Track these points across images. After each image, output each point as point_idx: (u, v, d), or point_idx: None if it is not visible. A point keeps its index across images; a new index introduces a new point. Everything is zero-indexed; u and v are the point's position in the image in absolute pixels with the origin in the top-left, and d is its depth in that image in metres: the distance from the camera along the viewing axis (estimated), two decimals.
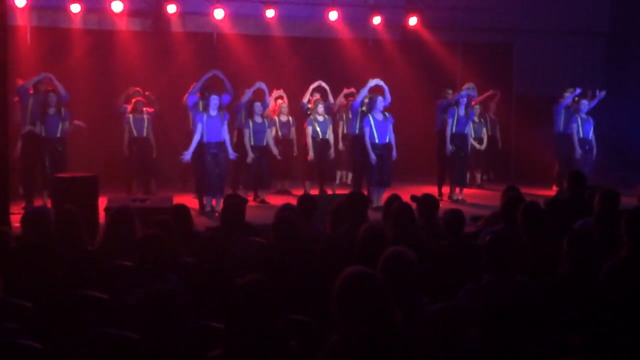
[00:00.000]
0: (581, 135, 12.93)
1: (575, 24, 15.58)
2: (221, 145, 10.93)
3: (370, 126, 11.55)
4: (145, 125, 12.18)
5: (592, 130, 12.96)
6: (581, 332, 3.99)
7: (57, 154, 11.11)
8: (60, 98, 11.16)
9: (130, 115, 12.10)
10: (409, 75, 14.97)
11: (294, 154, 13.18)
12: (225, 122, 10.96)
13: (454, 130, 12.40)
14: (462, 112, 12.40)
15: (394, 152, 11.72)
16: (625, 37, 15.50)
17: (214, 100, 10.83)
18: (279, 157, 12.20)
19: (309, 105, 12.60)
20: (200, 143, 10.79)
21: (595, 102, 13.08)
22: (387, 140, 11.65)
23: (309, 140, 12.41)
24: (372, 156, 11.48)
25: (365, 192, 10.90)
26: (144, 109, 12.22)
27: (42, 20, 13.55)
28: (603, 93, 13.07)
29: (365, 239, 5.10)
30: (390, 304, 3.38)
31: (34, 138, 11.03)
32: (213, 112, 10.81)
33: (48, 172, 10.80)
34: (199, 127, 10.78)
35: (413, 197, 7.23)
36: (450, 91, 12.89)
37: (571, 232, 5.07)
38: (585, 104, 12.97)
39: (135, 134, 12.12)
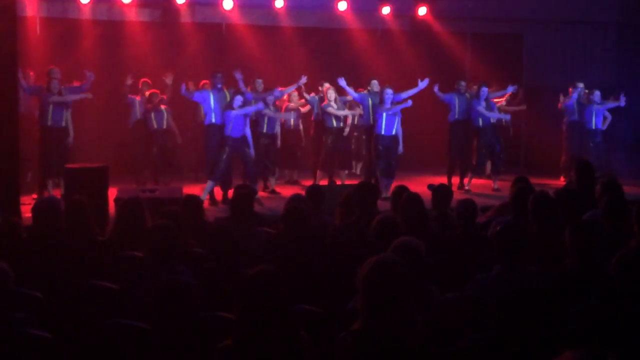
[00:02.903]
0: (593, 126, 12.88)
1: (585, 13, 15.47)
2: (243, 140, 11.02)
3: (381, 118, 11.56)
4: (165, 117, 12.18)
5: (604, 121, 12.94)
6: (590, 323, 3.98)
7: (62, 145, 11.10)
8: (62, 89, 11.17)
9: (152, 111, 12.12)
10: (418, 65, 14.91)
11: (302, 144, 13.21)
12: (248, 119, 11.07)
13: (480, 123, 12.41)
14: (483, 104, 12.38)
15: (400, 147, 11.72)
16: (636, 26, 15.39)
17: (238, 100, 10.91)
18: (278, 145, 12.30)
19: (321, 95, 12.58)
20: (224, 135, 10.86)
21: (611, 105, 12.99)
22: (394, 133, 11.66)
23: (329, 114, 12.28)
24: (379, 147, 11.54)
25: (374, 183, 10.91)
26: (161, 97, 12.23)
27: (52, 10, 13.56)
28: (622, 102, 12.96)
29: (379, 228, 5.09)
30: (411, 295, 3.41)
31: (46, 128, 11.03)
32: (236, 108, 10.87)
33: (55, 162, 10.80)
34: (229, 117, 10.82)
35: (430, 186, 7.23)
36: (463, 83, 12.82)
37: (573, 224, 5.03)
38: (598, 95, 12.90)
39: (155, 126, 12.12)
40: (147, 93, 12.27)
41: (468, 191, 12.14)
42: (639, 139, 14.50)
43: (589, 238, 4.89)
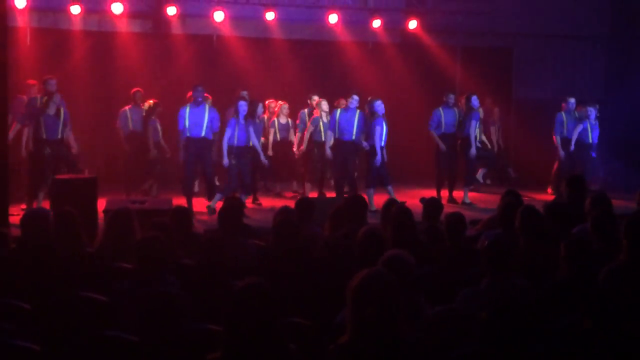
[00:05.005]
0: (589, 141, 12.98)
1: (575, 28, 15.56)
2: (246, 150, 11.15)
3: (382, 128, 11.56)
4: (159, 129, 12.09)
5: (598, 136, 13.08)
6: (580, 335, 3.99)
7: (63, 156, 11.03)
8: (61, 103, 11.12)
9: (127, 109, 11.97)
10: (408, 78, 14.96)
11: (295, 156, 13.19)
12: (251, 128, 11.16)
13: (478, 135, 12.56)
14: (480, 114, 12.57)
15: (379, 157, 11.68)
16: (625, 40, 15.48)
17: (243, 105, 11.07)
18: (265, 162, 11.91)
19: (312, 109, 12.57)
20: (228, 145, 11.06)
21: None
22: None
23: (307, 135, 12.36)
24: (379, 158, 11.51)
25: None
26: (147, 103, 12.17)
27: (42, 21, 13.55)
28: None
29: (364, 241, 5.10)
30: (400, 309, 3.41)
31: (41, 140, 10.94)
32: (242, 119, 11.05)
33: (51, 174, 10.72)
34: (228, 131, 11.03)
35: (422, 199, 7.27)
36: (452, 95, 12.85)
37: (569, 237, 5.07)
38: (592, 111, 12.99)
39: (130, 127, 12.03)
40: (148, 103, 12.18)
41: (470, 204, 12.14)
42: (629, 150, 14.57)
43: (583, 251, 4.92)
